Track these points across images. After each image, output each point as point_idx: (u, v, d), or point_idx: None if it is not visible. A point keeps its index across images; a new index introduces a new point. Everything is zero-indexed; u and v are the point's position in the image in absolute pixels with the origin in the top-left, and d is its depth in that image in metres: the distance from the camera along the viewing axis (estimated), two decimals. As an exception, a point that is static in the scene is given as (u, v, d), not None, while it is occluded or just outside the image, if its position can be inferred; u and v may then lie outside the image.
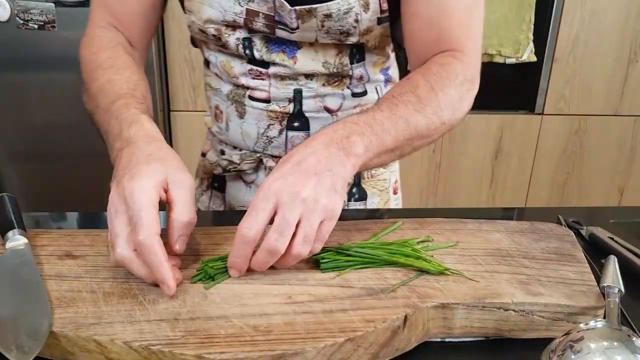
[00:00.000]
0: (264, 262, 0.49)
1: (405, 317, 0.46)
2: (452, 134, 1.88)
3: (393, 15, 0.70)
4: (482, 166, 1.93)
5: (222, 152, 0.82)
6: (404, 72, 0.78)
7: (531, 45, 1.74)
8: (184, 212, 0.49)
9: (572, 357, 0.41)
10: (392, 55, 0.80)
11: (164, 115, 1.73)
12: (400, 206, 0.91)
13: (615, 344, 0.41)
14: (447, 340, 0.50)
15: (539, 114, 1.89)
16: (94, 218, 0.78)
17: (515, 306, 0.48)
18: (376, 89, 0.78)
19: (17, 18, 1.50)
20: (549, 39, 1.80)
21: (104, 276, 0.51)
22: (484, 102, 2.07)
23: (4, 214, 0.60)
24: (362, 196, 0.83)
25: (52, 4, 1.50)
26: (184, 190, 0.49)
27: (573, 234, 0.64)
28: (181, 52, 1.66)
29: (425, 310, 0.47)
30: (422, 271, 0.52)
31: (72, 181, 1.69)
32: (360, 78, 0.75)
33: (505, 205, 1.96)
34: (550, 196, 2.00)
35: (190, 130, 1.76)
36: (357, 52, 0.73)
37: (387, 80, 0.80)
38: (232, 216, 0.77)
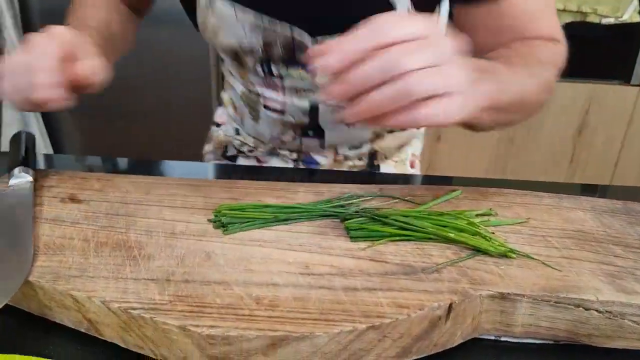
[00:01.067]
0: (372, 70, 0.35)
1: (450, 305, 0.36)
2: (531, 104, 1.68)
3: None
4: (561, 142, 1.72)
5: (238, 132, 0.76)
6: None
7: (635, 2, 1.49)
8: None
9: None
10: None
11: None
12: None
13: None
14: (503, 339, 0.39)
15: (636, 85, 1.64)
16: (144, 165, 0.72)
17: (601, 305, 0.37)
18: None
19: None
20: (657, -2, 1.54)
21: (102, 224, 0.44)
22: (571, 69, 1.84)
23: (16, 150, 0.55)
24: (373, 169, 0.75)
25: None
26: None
27: (681, 219, 0.50)
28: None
29: (477, 300, 0.37)
30: (478, 250, 0.42)
31: (129, 137, 1.69)
32: None
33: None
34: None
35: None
36: None
37: None
38: (254, 170, 0.70)
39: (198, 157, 0.87)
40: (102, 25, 0.63)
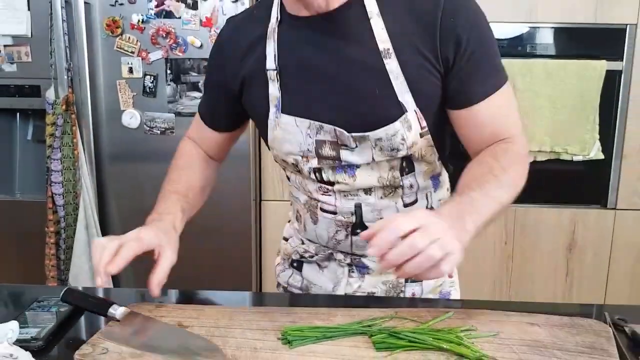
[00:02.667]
0: (400, 253, 0.61)
1: (443, 392, 0.56)
2: (523, 226, 1.93)
3: (431, 129, 0.86)
4: (555, 259, 1.94)
5: (302, 242, 0.99)
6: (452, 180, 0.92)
7: (597, 143, 1.81)
8: (160, 273, 0.78)
9: None
10: (439, 164, 0.92)
11: (255, 204, 1.97)
12: (457, 288, 1.00)
13: None
14: (481, 417, 0.58)
15: (612, 208, 1.91)
16: (198, 296, 0.95)
17: (541, 391, 0.57)
18: (426, 195, 0.90)
19: (145, 125, 1.86)
20: (616, 137, 1.88)
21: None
22: (555, 196, 2.11)
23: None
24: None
25: (172, 115, 1.85)
26: (166, 262, 0.80)
27: (610, 330, 0.70)
28: (270, 155, 1.92)
29: (460, 388, 0.57)
30: (461, 356, 0.62)
31: (178, 256, 1.93)
32: (411, 187, 0.87)
33: (583, 299, 1.93)
34: (631, 292, 1.94)
35: (277, 217, 1.97)
36: (407, 165, 0.86)
37: (436, 186, 0.92)
38: (307, 298, 0.91)
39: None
40: (190, 189, 0.94)
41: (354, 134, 0.82)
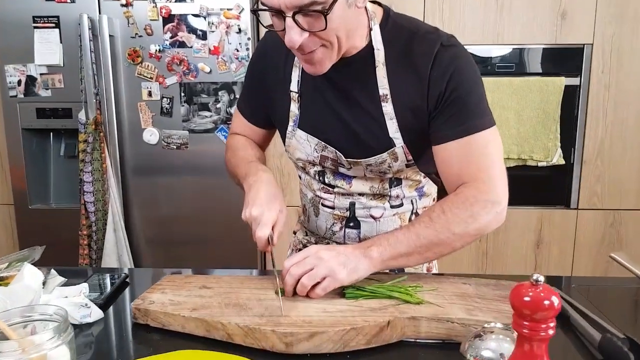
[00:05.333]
0: (301, 290, 0.86)
1: (389, 321, 0.80)
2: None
3: (418, 160, 1.00)
4: (525, 254, 2.16)
5: (306, 234, 1.22)
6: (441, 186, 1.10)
7: (559, 150, 2.03)
8: (280, 227, 0.92)
9: (479, 341, 0.72)
10: (426, 180, 1.08)
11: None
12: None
13: (501, 336, 0.72)
14: (417, 340, 0.82)
15: (575, 208, 2.12)
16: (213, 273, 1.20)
17: (458, 320, 0.81)
18: (411, 201, 1.08)
19: (162, 141, 2.12)
20: (576, 144, 2.09)
21: (224, 297, 0.90)
22: (523, 198, 2.32)
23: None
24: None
25: (187, 132, 2.10)
26: (283, 218, 0.92)
27: (523, 287, 0.94)
28: (274, 162, 2.17)
29: (402, 320, 0.81)
30: (406, 301, 0.87)
31: (192, 260, 2.17)
32: (397, 196, 1.07)
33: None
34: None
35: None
36: (395, 180, 1.05)
37: (421, 195, 1.09)
38: None
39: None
40: (258, 157, 1.09)
41: (349, 159, 1.01)
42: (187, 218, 2.15)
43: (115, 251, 1.99)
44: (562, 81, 2.03)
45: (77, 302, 0.89)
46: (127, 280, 1.08)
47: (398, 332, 0.81)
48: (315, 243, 1.17)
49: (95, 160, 2.01)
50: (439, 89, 0.91)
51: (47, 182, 2.24)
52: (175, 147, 2.10)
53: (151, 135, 2.10)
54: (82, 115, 2.02)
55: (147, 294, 0.93)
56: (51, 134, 2.25)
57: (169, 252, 2.19)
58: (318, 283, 0.86)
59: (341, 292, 0.90)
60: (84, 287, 0.92)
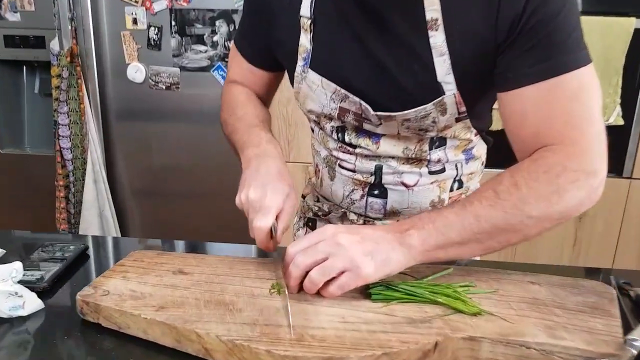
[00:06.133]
0: (308, 288, 0.62)
1: (436, 343, 0.56)
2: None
3: (472, 112, 0.75)
4: (564, 228, 1.91)
5: (317, 199, 0.97)
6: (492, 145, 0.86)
7: (618, 108, 1.74)
8: (288, 217, 0.70)
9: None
10: (477, 138, 0.84)
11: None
12: None
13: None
14: (474, 369, 0.58)
15: (627, 177, 1.85)
16: (199, 246, 0.96)
17: (537, 345, 0.56)
18: (456, 166, 0.84)
19: (150, 80, 1.84)
20: (638, 103, 1.79)
21: (205, 289, 0.66)
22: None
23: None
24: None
25: (177, 69, 1.82)
26: (291, 205, 0.70)
27: (614, 292, 0.69)
28: (280, 109, 1.89)
29: (454, 340, 0.57)
30: (458, 310, 0.62)
31: (183, 215, 1.95)
32: (439, 160, 0.82)
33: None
34: None
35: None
36: (438, 140, 0.80)
37: (469, 158, 0.85)
38: None
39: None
40: (262, 119, 0.86)
41: (378, 113, 0.75)
42: (178, 170, 1.91)
43: (96, 205, 1.75)
44: (632, 23, 1.70)
45: (4, 289, 0.65)
46: (88, 252, 0.84)
47: (448, 358, 0.57)
48: (329, 212, 0.93)
49: (71, 99, 1.76)
50: (514, 10, 0.65)
51: (21, 124, 2.02)
52: (164, 87, 1.84)
53: (136, 71, 1.84)
54: (54, 45, 1.77)
55: (103, 279, 0.69)
56: (24, 67, 2.00)
57: (157, 208, 1.96)
58: (333, 278, 0.61)
59: (365, 291, 0.65)
60: (16, 267, 0.67)
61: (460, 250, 0.65)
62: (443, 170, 0.84)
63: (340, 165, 0.87)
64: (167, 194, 1.97)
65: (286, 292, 0.64)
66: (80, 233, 1.80)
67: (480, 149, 0.88)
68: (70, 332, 0.62)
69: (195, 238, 1.76)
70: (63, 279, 0.75)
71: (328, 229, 0.64)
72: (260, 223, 0.67)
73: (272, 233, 0.68)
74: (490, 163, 0.93)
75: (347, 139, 0.83)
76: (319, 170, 0.94)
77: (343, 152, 0.86)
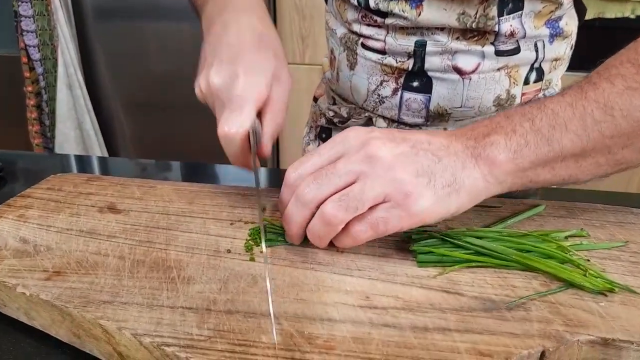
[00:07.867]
0: (318, 233, 0.36)
1: (543, 353, 0.29)
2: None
3: None
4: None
5: (333, 101, 0.69)
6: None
7: None
8: (279, 112, 0.44)
9: None
10: (568, 2, 0.56)
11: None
12: None
13: None
14: (606, 395, 0.32)
15: None
16: (197, 169, 0.70)
17: None
18: (535, 45, 0.56)
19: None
20: None
21: (140, 238, 0.41)
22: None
23: None
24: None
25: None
26: (284, 90, 0.44)
27: None
28: (291, -2, 1.54)
29: (575, 346, 0.30)
30: (570, 283, 0.35)
31: (183, 130, 1.69)
32: (511, 34, 0.54)
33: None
34: None
35: (298, 85, 1.65)
36: (511, 2, 0.53)
37: (554, 34, 0.57)
38: None
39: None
40: None
41: None
42: (179, 77, 1.60)
43: (74, 117, 1.49)
44: None
45: None
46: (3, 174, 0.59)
47: (562, 378, 0.31)
48: (348, 117, 0.66)
49: (33, -17, 1.43)
50: None
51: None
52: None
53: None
54: None
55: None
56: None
57: (153, 124, 1.68)
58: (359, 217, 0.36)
59: (402, 246, 0.39)
60: None
61: (576, 167, 0.38)
62: (517, 50, 0.55)
63: (364, 46, 0.59)
64: (165, 106, 1.69)
65: (264, 248, 0.38)
66: (56, 149, 1.56)
67: (571, 23, 0.58)
68: None
69: (200, 159, 1.49)
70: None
71: (352, 134, 0.38)
72: (230, 126, 0.40)
73: (249, 142, 0.41)
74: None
75: (373, 3, 0.55)
76: (334, 58, 0.66)
77: (368, 24, 0.58)
